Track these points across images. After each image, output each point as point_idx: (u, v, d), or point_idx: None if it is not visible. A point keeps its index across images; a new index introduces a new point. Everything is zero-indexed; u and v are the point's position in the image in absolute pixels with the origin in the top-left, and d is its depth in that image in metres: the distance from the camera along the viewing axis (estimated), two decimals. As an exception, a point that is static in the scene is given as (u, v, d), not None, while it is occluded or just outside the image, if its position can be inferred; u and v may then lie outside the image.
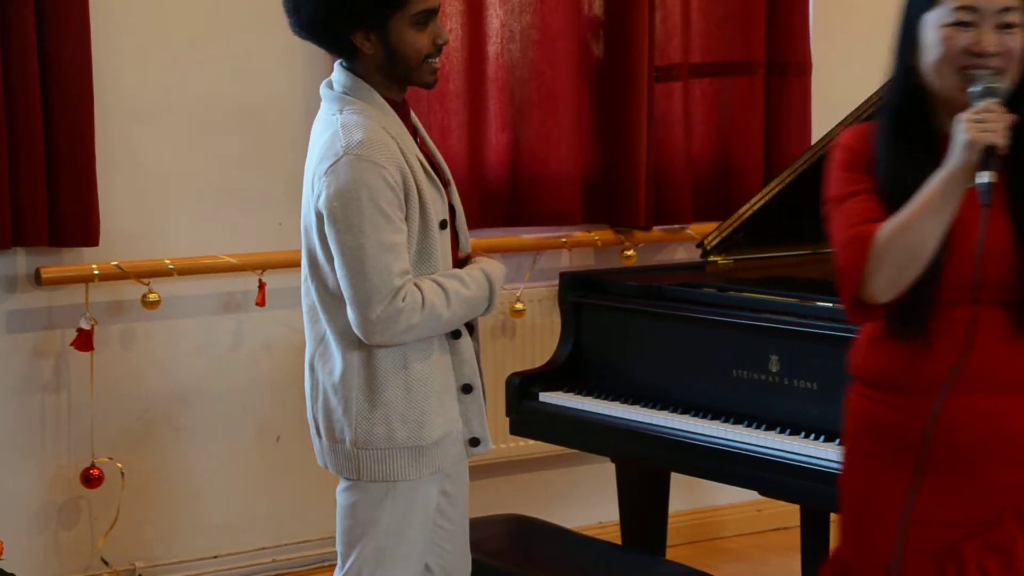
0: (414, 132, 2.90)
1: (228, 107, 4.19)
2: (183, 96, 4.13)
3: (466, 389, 2.87)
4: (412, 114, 2.93)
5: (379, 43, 2.76)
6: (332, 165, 2.70)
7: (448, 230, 2.85)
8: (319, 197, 2.72)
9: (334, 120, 2.77)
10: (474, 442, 2.89)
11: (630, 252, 4.68)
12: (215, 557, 4.28)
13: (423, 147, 2.89)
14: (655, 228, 4.71)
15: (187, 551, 4.23)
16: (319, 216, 2.74)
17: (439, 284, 2.78)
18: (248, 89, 4.20)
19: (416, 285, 2.74)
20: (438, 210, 2.81)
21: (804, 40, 4.82)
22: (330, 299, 2.80)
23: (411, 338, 2.76)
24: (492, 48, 4.44)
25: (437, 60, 2.82)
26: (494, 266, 2.91)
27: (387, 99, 2.81)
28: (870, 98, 3.42)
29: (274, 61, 4.19)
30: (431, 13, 2.77)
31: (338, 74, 2.83)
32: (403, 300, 2.71)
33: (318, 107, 4.33)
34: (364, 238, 2.68)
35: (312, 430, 2.90)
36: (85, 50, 3.89)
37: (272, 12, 4.22)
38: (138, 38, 4.07)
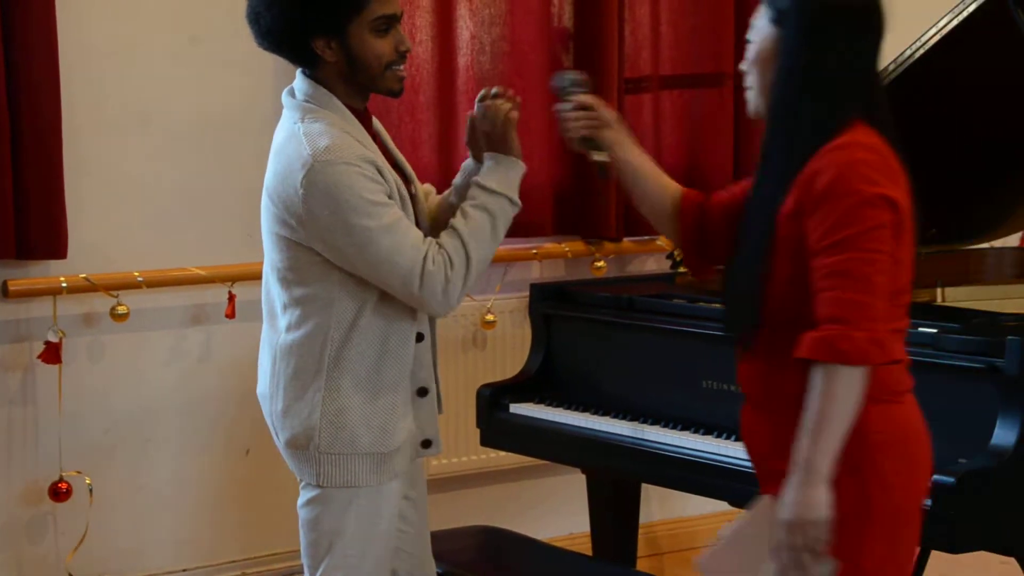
0: (381, 146, 2.89)
1: (196, 118, 4.17)
2: (151, 107, 4.11)
3: (421, 392, 2.88)
4: (375, 120, 2.93)
5: (340, 50, 2.76)
6: (305, 175, 2.69)
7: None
8: (297, 206, 2.71)
9: (296, 129, 2.76)
10: (426, 444, 2.90)
11: (600, 263, 4.68)
12: (184, 571, 4.25)
13: (385, 153, 2.89)
14: (625, 239, 4.71)
15: (156, 565, 4.21)
16: (298, 222, 2.73)
17: (452, 228, 2.80)
18: (217, 100, 4.19)
19: (438, 243, 2.78)
20: (408, 214, 2.81)
21: (773, 52, 4.84)
22: (293, 305, 2.80)
23: (464, 291, 2.78)
24: (462, 60, 4.45)
25: (402, 68, 2.81)
26: (482, 169, 2.87)
27: (349, 107, 2.81)
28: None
29: (243, 72, 4.18)
30: (391, 19, 2.77)
31: (300, 82, 2.83)
32: (432, 264, 2.73)
33: (286, 117, 4.29)
34: (369, 232, 2.69)
35: (273, 434, 2.89)
36: (52, 61, 3.87)
37: (240, 24, 4.21)
38: (106, 49, 4.05)
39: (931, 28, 3.32)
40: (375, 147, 2.81)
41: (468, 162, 2.98)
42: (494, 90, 2.92)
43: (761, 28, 2.45)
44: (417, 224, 2.88)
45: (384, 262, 2.72)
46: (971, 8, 3.28)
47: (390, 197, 2.75)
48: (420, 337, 2.86)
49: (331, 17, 2.73)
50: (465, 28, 4.45)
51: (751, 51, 2.47)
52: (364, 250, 2.71)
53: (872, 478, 2.36)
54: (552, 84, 2.90)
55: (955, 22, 3.29)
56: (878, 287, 2.30)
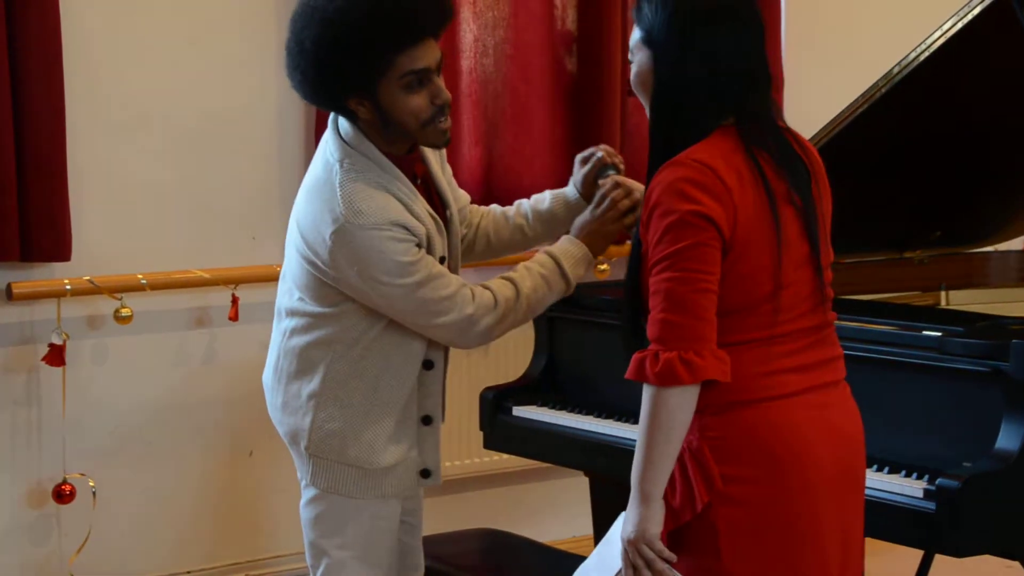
0: (425, 175, 2.85)
1: (201, 120, 4.17)
2: (155, 109, 4.12)
3: (426, 420, 2.87)
4: (431, 150, 2.88)
5: (373, 109, 2.70)
6: (334, 232, 2.68)
7: (447, 263, 2.85)
8: (324, 254, 2.71)
9: (333, 173, 2.72)
10: (425, 473, 2.89)
11: (604, 266, 4.68)
12: (188, 573, 4.25)
13: (428, 187, 2.86)
14: (628, 242, 4.70)
15: (159, 567, 4.21)
16: (324, 265, 2.73)
17: (508, 278, 2.82)
18: (221, 102, 4.19)
19: (484, 286, 2.79)
20: (438, 249, 2.81)
21: (776, 53, 4.84)
22: (303, 315, 2.81)
23: (500, 333, 2.82)
24: (466, 63, 4.45)
25: (444, 120, 2.73)
26: (562, 246, 2.89)
27: (388, 154, 2.75)
28: (843, 112, 3.44)
29: (246, 74, 4.19)
30: (423, 73, 2.68)
31: (344, 119, 2.78)
32: (471, 307, 2.76)
33: (291, 120, 4.34)
34: (399, 288, 2.70)
35: (275, 423, 2.91)
36: (56, 63, 3.87)
37: (245, 24, 4.22)
38: (110, 51, 4.05)
39: (935, 31, 3.31)
40: (414, 195, 2.76)
41: (570, 192, 2.99)
42: (601, 156, 2.95)
43: (636, 49, 2.45)
44: (449, 247, 2.88)
45: (413, 311, 2.73)
46: (976, 11, 3.28)
47: (419, 246, 2.73)
48: (429, 365, 2.85)
49: (356, 79, 2.66)
50: (469, 31, 4.45)
51: (632, 73, 2.47)
52: (393, 303, 2.73)
53: (706, 487, 2.34)
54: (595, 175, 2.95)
55: (959, 25, 3.28)
56: (695, 306, 2.29)
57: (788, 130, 2.47)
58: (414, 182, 2.80)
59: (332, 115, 2.81)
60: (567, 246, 2.88)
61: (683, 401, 2.30)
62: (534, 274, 2.83)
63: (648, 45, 2.41)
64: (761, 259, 2.35)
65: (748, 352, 2.36)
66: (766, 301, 2.36)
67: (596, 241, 2.89)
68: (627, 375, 2.34)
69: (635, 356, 2.33)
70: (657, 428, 2.30)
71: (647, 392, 2.31)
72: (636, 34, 2.44)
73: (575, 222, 2.92)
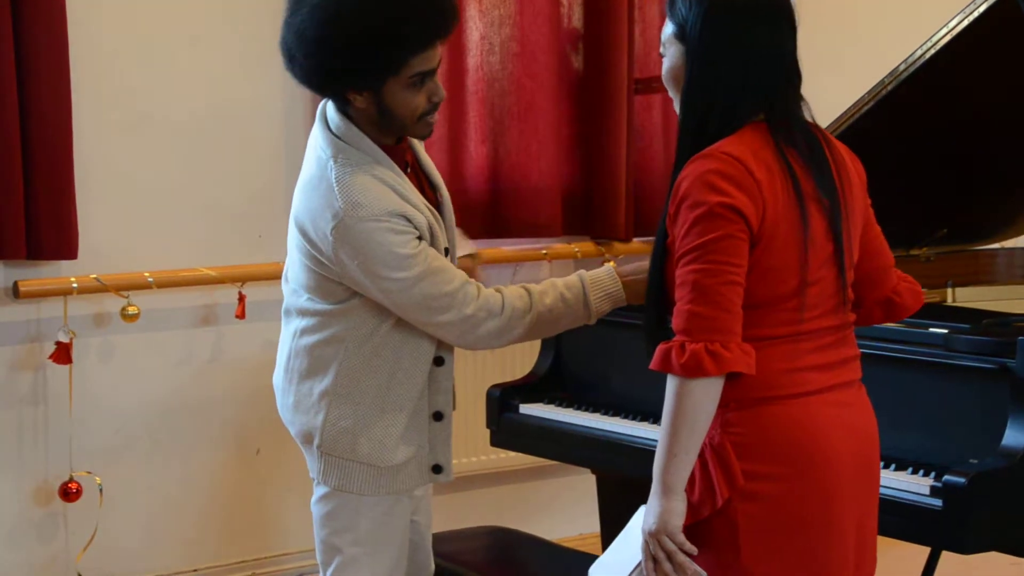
0: (414, 162, 2.87)
1: (207, 118, 4.18)
2: (161, 107, 4.12)
3: (437, 416, 2.87)
4: (416, 142, 2.89)
5: (372, 101, 2.72)
6: (335, 227, 2.68)
7: (450, 255, 2.85)
8: (328, 249, 2.71)
9: (328, 169, 2.73)
10: (437, 469, 2.88)
11: (610, 264, 4.68)
12: (194, 571, 4.26)
13: (418, 173, 2.86)
14: (635, 240, 4.72)
15: (166, 565, 4.22)
16: (328, 262, 2.73)
17: (527, 289, 2.81)
18: (227, 100, 4.20)
19: (498, 290, 2.77)
20: (441, 239, 2.81)
21: (783, 52, 4.84)
22: (312, 314, 2.81)
23: (506, 343, 2.79)
24: (472, 60, 4.45)
25: (434, 115, 2.77)
26: (597, 275, 2.86)
27: (380, 144, 2.77)
28: (849, 109, 3.44)
29: (253, 72, 4.19)
30: (428, 74, 2.72)
31: (332, 112, 2.79)
32: (471, 307, 2.74)
33: (297, 118, 4.34)
34: (400, 282, 2.70)
35: (286, 423, 2.91)
36: (63, 61, 3.88)
37: (251, 23, 4.22)
38: (116, 49, 4.06)
39: (941, 28, 3.31)
40: (406, 183, 2.77)
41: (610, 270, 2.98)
42: None
43: (668, 43, 2.44)
44: (446, 231, 2.88)
45: (413, 306, 2.73)
46: (982, 8, 3.27)
47: (420, 238, 2.73)
48: (440, 361, 2.85)
49: (368, 76, 2.69)
50: (475, 28, 4.45)
51: (664, 67, 2.46)
52: (393, 298, 2.72)
53: (727, 483, 2.34)
54: None
55: (966, 22, 3.28)
56: (722, 298, 2.28)
57: (816, 126, 2.47)
58: (404, 171, 2.81)
59: (320, 109, 2.82)
60: (603, 277, 2.85)
61: (708, 393, 2.30)
62: (557, 293, 2.81)
63: (681, 40, 2.40)
64: (787, 255, 2.35)
65: (774, 348, 2.35)
66: (792, 297, 2.36)
67: (636, 290, 2.83)
68: (652, 366, 2.32)
69: (660, 347, 2.32)
70: (682, 420, 2.30)
71: (672, 383, 2.31)
72: (669, 28, 2.43)
73: (630, 264, 2.89)
